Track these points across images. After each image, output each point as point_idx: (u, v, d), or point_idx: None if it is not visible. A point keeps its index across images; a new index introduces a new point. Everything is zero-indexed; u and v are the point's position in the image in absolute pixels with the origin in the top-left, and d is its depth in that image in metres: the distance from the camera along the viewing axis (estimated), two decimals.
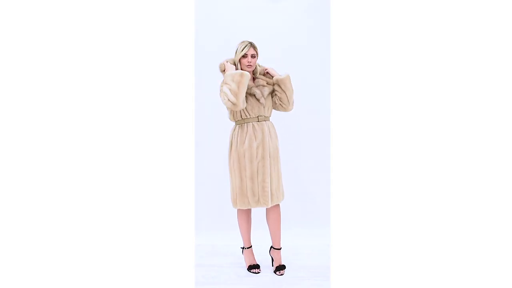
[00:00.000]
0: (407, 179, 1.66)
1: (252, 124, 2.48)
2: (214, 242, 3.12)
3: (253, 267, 2.57)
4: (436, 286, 1.65)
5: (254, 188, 2.44)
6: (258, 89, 2.51)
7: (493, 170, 1.63)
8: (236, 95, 2.36)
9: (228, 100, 2.37)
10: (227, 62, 2.50)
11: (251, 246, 2.64)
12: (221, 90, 2.43)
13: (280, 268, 2.54)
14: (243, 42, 2.49)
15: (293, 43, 3.42)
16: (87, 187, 1.65)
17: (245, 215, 2.59)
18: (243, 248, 2.66)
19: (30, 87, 1.63)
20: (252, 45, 2.48)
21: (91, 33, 1.65)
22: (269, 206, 2.46)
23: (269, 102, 2.55)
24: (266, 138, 2.47)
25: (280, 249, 2.58)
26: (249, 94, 2.48)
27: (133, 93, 1.67)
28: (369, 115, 1.67)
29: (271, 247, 2.64)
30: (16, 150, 1.62)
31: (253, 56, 2.49)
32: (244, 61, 2.48)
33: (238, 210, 2.59)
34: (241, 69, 2.50)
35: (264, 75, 2.61)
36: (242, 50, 2.46)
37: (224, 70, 2.49)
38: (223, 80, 2.43)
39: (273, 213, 2.55)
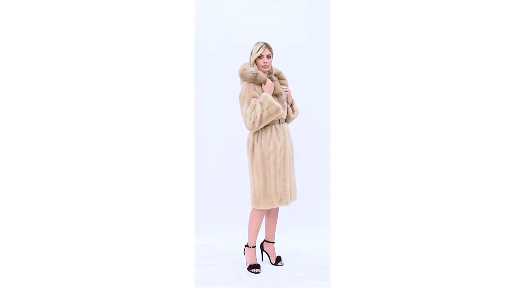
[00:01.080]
0: (407, 178, 1.66)
1: (275, 127, 2.52)
2: (214, 242, 3.12)
3: (254, 267, 2.57)
4: (436, 285, 1.65)
5: (277, 188, 2.50)
6: (283, 91, 2.57)
7: (492, 170, 1.63)
8: (260, 124, 2.42)
9: (253, 123, 2.41)
10: (255, 72, 2.47)
11: (255, 246, 2.64)
12: (252, 105, 2.42)
13: (279, 259, 2.69)
14: (258, 43, 2.51)
15: (293, 43, 3.42)
16: (88, 187, 1.65)
17: (261, 215, 2.59)
18: (246, 245, 2.66)
19: (31, 87, 1.63)
20: (267, 45, 2.50)
21: (91, 33, 1.65)
22: (289, 204, 2.54)
23: (286, 104, 2.60)
24: (287, 140, 2.55)
25: (274, 242, 2.75)
26: (274, 94, 2.52)
27: (133, 93, 1.67)
28: (369, 115, 1.68)
29: (265, 242, 2.75)
30: (16, 151, 1.63)
31: (268, 57, 2.50)
32: (260, 61, 2.49)
33: (254, 209, 2.59)
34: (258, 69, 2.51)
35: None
36: (258, 51, 2.48)
37: (243, 75, 2.47)
38: (259, 101, 2.40)
39: (274, 209, 2.68)
